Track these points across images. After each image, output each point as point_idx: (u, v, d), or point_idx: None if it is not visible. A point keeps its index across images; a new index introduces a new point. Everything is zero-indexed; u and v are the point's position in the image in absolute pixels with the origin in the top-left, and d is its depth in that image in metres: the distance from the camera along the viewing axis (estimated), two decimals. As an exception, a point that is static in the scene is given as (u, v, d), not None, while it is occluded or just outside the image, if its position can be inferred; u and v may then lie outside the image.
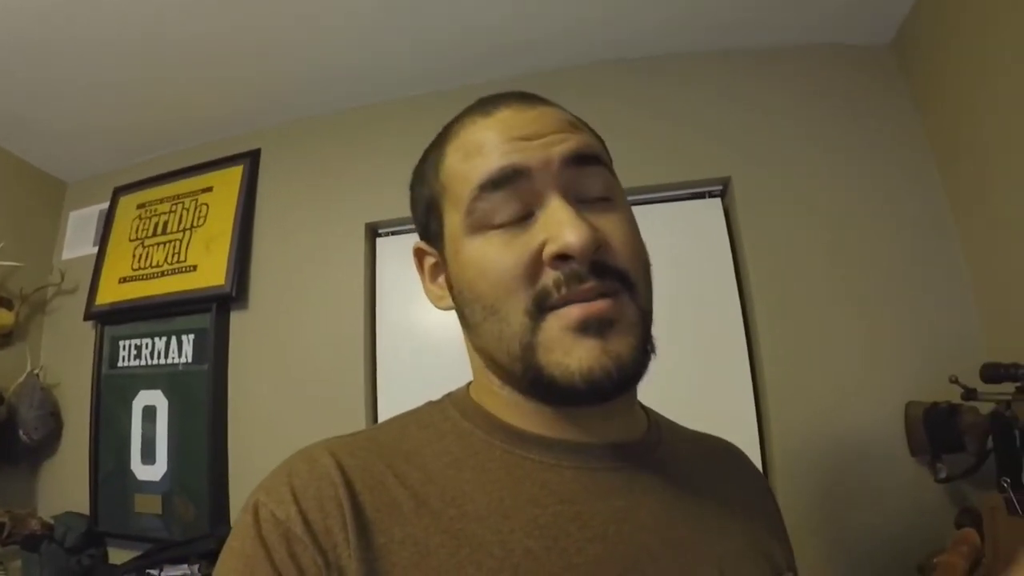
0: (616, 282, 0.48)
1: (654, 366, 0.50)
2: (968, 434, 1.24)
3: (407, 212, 0.62)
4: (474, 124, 0.53)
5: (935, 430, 1.31)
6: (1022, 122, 1.26)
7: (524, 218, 0.49)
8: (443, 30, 1.68)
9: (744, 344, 1.58)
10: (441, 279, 0.57)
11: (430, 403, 0.59)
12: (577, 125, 0.54)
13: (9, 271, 2.08)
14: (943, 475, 1.30)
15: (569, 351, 0.46)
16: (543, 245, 0.47)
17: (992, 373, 1.14)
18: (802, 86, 1.71)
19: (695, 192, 1.73)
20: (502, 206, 0.49)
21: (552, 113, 0.53)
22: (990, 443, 1.18)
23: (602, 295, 0.47)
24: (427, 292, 0.60)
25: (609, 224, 0.50)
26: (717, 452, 0.67)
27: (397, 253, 1.90)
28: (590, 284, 0.46)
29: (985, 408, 1.21)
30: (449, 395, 0.59)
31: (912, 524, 1.38)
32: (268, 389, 1.86)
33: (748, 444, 1.48)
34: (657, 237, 1.61)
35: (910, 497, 1.40)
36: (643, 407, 0.62)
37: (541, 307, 0.47)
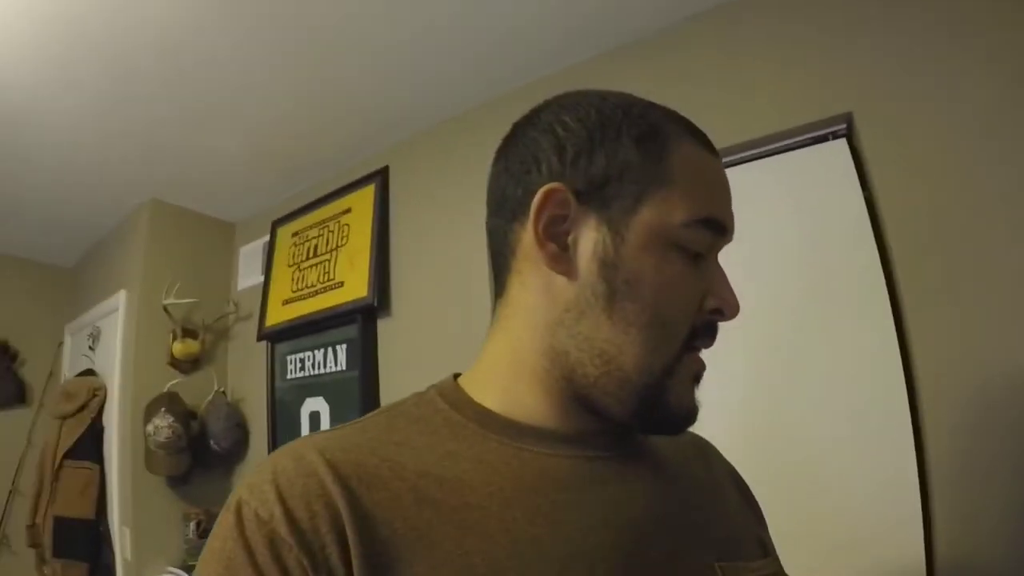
0: None
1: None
2: None
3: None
4: (701, 151, 0.53)
5: None
6: None
7: (696, 259, 0.51)
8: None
9: (888, 307, 1.24)
10: (570, 238, 0.51)
11: (416, 395, 0.57)
12: None
13: (193, 307, 2.39)
14: None
15: (689, 392, 0.51)
16: (705, 293, 0.51)
17: None
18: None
19: (815, 136, 1.41)
20: (698, 244, 0.51)
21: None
22: None
23: None
24: (536, 237, 0.51)
25: None
26: (695, 443, 0.67)
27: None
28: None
29: None
30: (435, 386, 0.57)
31: None
32: (415, 389, 1.94)
33: (898, 412, 1.19)
34: (780, 192, 1.43)
35: None
36: None
37: (689, 345, 0.50)
